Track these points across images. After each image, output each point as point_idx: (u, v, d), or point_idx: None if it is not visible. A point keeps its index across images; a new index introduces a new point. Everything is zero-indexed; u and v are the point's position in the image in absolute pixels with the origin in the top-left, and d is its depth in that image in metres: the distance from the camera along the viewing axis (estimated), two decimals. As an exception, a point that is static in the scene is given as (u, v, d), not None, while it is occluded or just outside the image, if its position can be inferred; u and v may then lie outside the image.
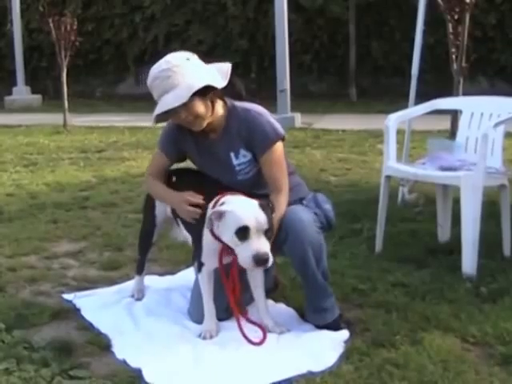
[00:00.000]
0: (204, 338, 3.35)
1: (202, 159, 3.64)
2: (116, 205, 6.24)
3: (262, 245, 3.10)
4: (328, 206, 3.57)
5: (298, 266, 3.43)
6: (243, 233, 3.10)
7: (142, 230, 4.02)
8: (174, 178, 3.72)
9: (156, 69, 3.42)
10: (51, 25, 11.69)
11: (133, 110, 15.11)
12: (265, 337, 3.30)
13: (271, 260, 3.12)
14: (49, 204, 6.21)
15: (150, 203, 3.88)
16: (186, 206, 3.48)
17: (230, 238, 3.16)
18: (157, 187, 3.72)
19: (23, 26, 17.61)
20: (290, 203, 3.46)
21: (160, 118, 3.48)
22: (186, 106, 3.36)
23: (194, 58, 3.47)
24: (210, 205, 3.31)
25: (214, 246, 3.33)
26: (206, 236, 3.35)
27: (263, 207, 3.18)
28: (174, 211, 3.66)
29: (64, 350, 3.25)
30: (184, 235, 3.72)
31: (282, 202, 3.38)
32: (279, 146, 3.50)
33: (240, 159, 3.52)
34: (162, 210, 3.81)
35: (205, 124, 3.46)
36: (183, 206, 3.50)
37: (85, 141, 10.57)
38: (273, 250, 3.29)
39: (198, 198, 3.45)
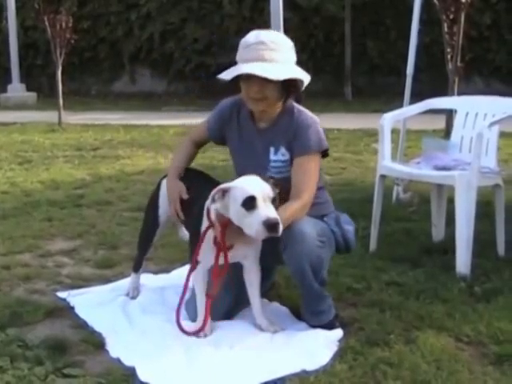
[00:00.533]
0: (198, 337, 3.35)
1: (241, 146, 3.60)
2: (111, 203, 6.23)
3: (271, 211, 3.08)
4: (349, 228, 3.56)
5: (294, 275, 3.40)
6: (250, 203, 3.07)
7: (143, 230, 3.99)
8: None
9: (266, 36, 3.37)
10: (47, 22, 11.67)
11: (128, 108, 15.14)
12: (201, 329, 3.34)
13: (282, 227, 3.07)
14: (43, 202, 6.20)
15: (153, 203, 3.86)
16: (173, 208, 3.60)
17: (236, 212, 3.12)
18: (179, 154, 3.81)
19: (18, 24, 17.56)
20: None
21: (230, 78, 3.40)
22: (272, 83, 3.33)
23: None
24: (208, 202, 3.28)
25: (212, 245, 3.33)
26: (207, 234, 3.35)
27: (265, 179, 3.19)
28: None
29: (58, 348, 3.24)
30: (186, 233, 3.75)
31: (293, 208, 3.28)
32: (316, 158, 3.44)
33: (278, 156, 3.48)
34: (165, 210, 3.77)
35: (262, 108, 3.44)
36: (172, 205, 3.62)
37: (80, 139, 10.55)
38: (273, 258, 3.30)
39: (185, 195, 3.56)
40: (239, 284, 3.48)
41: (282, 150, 3.48)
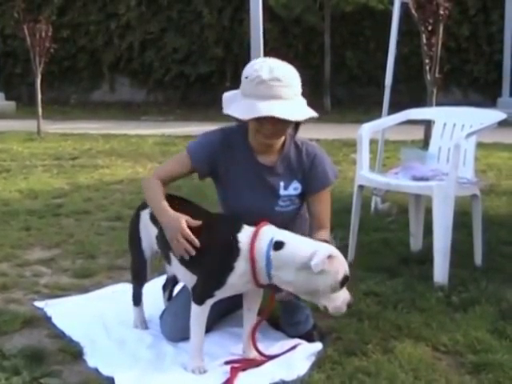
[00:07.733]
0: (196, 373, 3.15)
1: (244, 177, 3.37)
2: (89, 212, 6.21)
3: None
4: None
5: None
6: (345, 281, 3.04)
7: (132, 267, 3.68)
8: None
9: (279, 71, 3.17)
10: (26, 31, 11.63)
11: (107, 118, 15.12)
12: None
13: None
14: (21, 211, 6.17)
15: (134, 237, 3.52)
16: (182, 238, 3.13)
17: (323, 283, 2.98)
18: (155, 193, 3.33)
19: (-3, 32, 17.54)
20: None
21: (248, 118, 3.17)
22: (287, 121, 3.18)
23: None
24: (244, 237, 3.06)
25: (242, 281, 3.10)
26: (238, 270, 3.07)
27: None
28: (163, 244, 3.33)
29: (35, 357, 3.22)
30: (173, 271, 3.48)
31: (327, 237, 3.29)
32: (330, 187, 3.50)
33: (289, 191, 3.38)
34: (149, 243, 3.47)
35: (272, 142, 3.31)
36: (178, 236, 3.14)
37: (59, 148, 10.52)
38: None
39: (196, 224, 3.18)
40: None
41: (295, 184, 3.39)
